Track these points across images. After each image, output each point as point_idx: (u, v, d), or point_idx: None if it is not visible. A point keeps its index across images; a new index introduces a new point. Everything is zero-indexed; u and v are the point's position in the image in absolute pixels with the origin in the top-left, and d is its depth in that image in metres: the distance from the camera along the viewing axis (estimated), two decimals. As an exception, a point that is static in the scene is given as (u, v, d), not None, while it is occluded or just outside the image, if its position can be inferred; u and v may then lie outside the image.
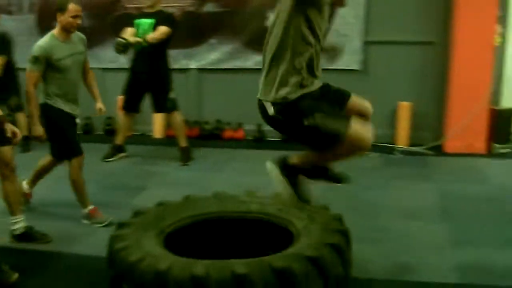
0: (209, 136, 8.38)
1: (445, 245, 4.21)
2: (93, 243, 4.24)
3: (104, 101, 8.40)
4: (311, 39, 3.17)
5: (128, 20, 6.93)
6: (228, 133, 8.38)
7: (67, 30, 4.71)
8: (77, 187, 4.75)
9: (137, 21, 6.79)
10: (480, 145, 7.37)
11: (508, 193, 5.10)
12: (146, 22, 6.70)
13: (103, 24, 8.64)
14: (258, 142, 8.07)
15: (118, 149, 7.21)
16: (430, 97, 7.87)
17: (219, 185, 4.66)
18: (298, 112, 3.22)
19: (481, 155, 7.22)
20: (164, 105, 6.97)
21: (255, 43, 8.15)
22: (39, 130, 4.64)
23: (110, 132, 8.56)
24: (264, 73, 3.38)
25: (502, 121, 7.37)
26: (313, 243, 3.14)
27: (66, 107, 4.74)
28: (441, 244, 4.23)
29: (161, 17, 6.72)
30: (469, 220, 4.36)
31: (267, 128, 7.90)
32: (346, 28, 7.98)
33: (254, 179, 4.89)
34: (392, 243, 4.20)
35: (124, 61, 8.17)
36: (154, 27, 6.63)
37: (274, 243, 3.52)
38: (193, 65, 8.50)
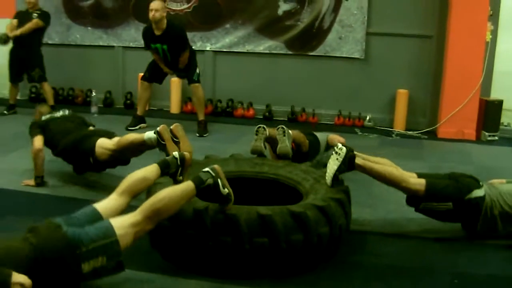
0: (221, 113, 8.91)
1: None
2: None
3: (124, 78, 9.13)
4: None
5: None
6: (239, 111, 8.88)
7: None
8: None
9: (152, 45, 7.52)
10: (470, 132, 7.94)
11: (490, 173, 5.51)
12: (161, 47, 7.46)
13: (124, 5, 9.14)
14: (267, 120, 8.58)
15: (140, 119, 7.76)
16: (426, 86, 8.44)
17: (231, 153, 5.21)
18: None
19: (471, 141, 7.82)
20: (191, 77, 7.61)
21: (267, 29, 8.79)
22: None
23: (129, 105, 9.16)
24: None
25: (492, 111, 7.88)
26: (321, 197, 3.75)
27: None
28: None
29: (173, 40, 7.40)
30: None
31: (275, 108, 8.61)
32: (350, 19, 8.51)
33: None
34: (385, 206, 4.84)
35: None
36: (171, 51, 7.44)
37: (284, 200, 3.96)
38: (208, 47, 9.02)
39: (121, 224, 2.97)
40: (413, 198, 4.15)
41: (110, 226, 2.93)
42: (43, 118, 5.30)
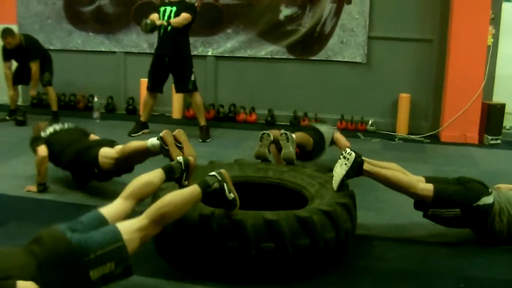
0: (223, 118, 8.93)
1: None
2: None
3: (126, 83, 9.13)
4: None
5: (151, 8, 7.49)
6: (241, 116, 8.91)
7: None
8: None
9: (161, 7, 7.42)
10: (473, 135, 7.95)
11: (494, 177, 5.49)
12: (170, 9, 7.33)
13: (126, 11, 9.16)
14: (270, 125, 8.54)
15: (143, 125, 7.77)
16: (428, 90, 8.46)
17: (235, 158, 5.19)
18: None
19: (473, 145, 7.82)
20: (186, 86, 7.55)
21: (268, 34, 8.79)
22: None
23: (131, 111, 9.18)
24: None
25: (494, 114, 7.90)
26: (327, 202, 3.74)
27: None
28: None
29: (183, 6, 7.33)
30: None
31: (277, 113, 8.61)
32: (351, 23, 8.52)
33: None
34: (390, 210, 4.84)
35: (145, 46, 8.84)
36: (176, 15, 7.24)
37: (290, 205, 3.98)
38: (210, 52, 9.03)
39: (128, 229, 2.95)
40: (421, 203, 4.13)
41: (117, 231, 2.91)
42: (43, 134, 5.27)
